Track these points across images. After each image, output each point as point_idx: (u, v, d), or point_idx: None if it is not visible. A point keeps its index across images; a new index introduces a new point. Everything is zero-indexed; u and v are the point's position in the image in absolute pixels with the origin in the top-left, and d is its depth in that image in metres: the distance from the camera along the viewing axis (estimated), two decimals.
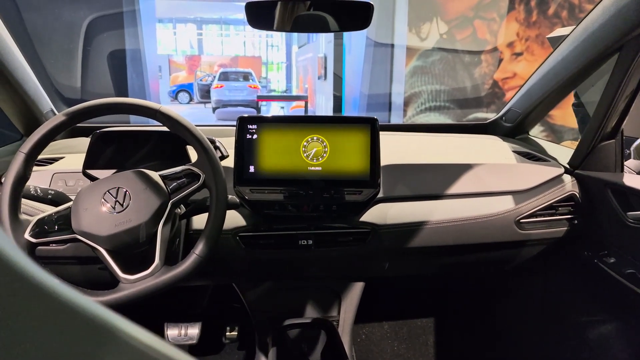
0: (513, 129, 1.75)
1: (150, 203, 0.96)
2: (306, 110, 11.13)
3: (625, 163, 1.41)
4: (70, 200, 1.04)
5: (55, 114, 1.34)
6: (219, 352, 1.82)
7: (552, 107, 1.65)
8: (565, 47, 1.40)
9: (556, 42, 1.46)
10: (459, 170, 1.41)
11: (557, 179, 1.43)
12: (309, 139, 1.20)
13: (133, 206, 0.96)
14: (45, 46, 3.53)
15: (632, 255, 1.27)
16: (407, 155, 1.47)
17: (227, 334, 1.75)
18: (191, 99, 16.11)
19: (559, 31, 1.53)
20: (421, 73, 6.00)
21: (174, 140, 1.16)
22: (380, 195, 1.29)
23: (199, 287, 1.88)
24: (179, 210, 1.14)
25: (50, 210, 0.98)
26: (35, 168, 1.00)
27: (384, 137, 1.28)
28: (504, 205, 1.37)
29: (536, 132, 1.83)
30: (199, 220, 1.22)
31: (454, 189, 1.37)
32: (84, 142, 1.25)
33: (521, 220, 1.37)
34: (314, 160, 1.20)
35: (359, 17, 1.07)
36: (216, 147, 1.09)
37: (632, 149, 1.50)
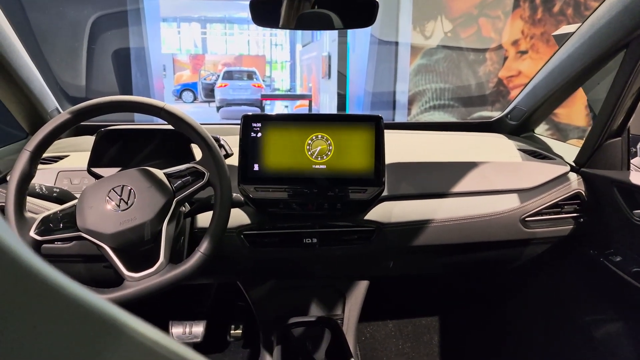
0: (518, 127, 1.74)
1: (154, 201, 0.97)
2: (310, 109, 11.13)
3: (632, 161, 1.40)
4: (75, 198, 1.04)
5: (60, 113, 1.34)
6: (223, 350, 1.82)
7: (557, 105, 1.64)
8: (571, 44, 1.39)
9: (562, 39, 1.45)
10: (463, 168, 1.41)
11: (562, 177, 1.43)
12: (314, 137, 1.20)
13: (138, 204, 0.96)
14: (50, 45, 3.53)
15: (638, 254, 1.27)
16: (411, 153, 1.46)
17: (232, 332, 1.75)
18: (195, 98, 16.13)
19: (564, 28, 1.52)
20: (425, 71, 5.98)
21: (178, 138, 1.16)
22: (384, 193, 1.29)
23: (204, 285, 1.89)
24: (183, 208, 1.14)
25: (55, 208, 0.98)
26: (40, 166, 1.01)
27: (389, 135, 1.27)
28: (509, 203, 1.36)
29: (541, 131, 1.82)
30: (204, 219, 1.23)
31: (458, 187, 1.37)
32: (89, 140, 1.25)
33: (526, 219, 1.36)
34: (319, 159, 1.19)
35: (364, 15, 1.07)
36: (221, 146, 1.10)
37: (638, 147, 1.49)
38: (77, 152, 1.38)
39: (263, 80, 15.20)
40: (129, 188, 0.97)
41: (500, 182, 1.39)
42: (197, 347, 1.77)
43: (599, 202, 1.40)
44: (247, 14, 1.07)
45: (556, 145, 1.64)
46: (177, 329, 1.69)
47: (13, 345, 0.18)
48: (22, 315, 0.18)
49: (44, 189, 1.06)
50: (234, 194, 1.08)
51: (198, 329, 1.69)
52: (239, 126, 1.20)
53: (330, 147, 1.20)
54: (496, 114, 1.86)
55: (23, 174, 0.93)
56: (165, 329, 1.67)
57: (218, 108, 12.45)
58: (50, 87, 1.48)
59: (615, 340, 1.42)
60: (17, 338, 0.18)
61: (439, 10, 5.80)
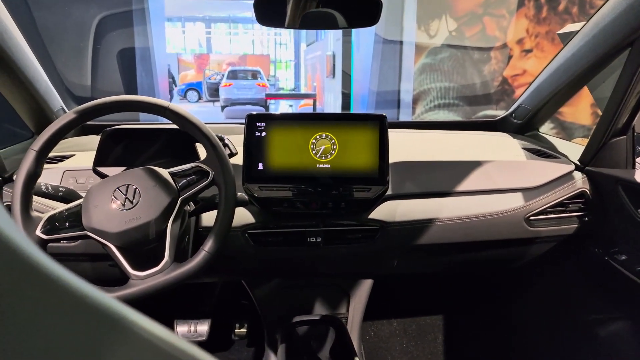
0: (523, 125, 1.74)
1: (159, 200, 0.97)
2: (315, 109, 11.14)
3: (637, 160, 1.39)
4: (80, 197, 1.05)
5: (65, 112, 1.35)
6: (228, 349, 1.83)
7: (562, 103, 1.63)
8: (576, 42, 1.39)
9: (566, 38, 1.45)
10: (468, 167, 1.41)
11: (567, 176, 1.42)
12: (318, 137, 1.20)
13: (143, 203, 0.96)
14: (56, 45, 3.55)
15: None
16: (415, 152, 1.46)
17: (237, 330, 1.76)
18: (200, 98, 16.17)
19: (569, 27, 1.52)
20: (430, 70, 5.96)
21: (183, 137, 1.16)
22: (388, 192, 1.29)
23: (208, 284, 1.89)
24: (188, 207, 1.14)
25: (61, 207, 0.99)
26: (46, 166, 1.01)
27: (393, 134, 1.27)
28: (514, 202, 1.36)
29: (546, 130, 1.82)
30: (208, 218, 1.23)
31: (463, 186, 1.36)
32: (94, 140, 1.26)
33: (531, 218, 1.36)
34: (323, 158, 1.20)
35: (368, 14, 1.07)
36: (225, 145, 1.10)
37: None
38: (82, 152, 1.38)
39: (267, 80, 15.23)
40: (134, 187, 0.98)
41: (504, 181, 1.39)
42: (201, 345, 1.77)
43: (603, 201, 1.39)
44: (251, 13, 1.07)
45: (561, 144, 1.64)
46: (182, 328, 1.69)
47: (21, 341, 0.18)
48: (30, 311, 0.18)
49: (49, 188, 1.07)
50: (239, 193, 1.08)
51: (203, 327, 1.70)
52: (243, 125, 1.20)
53: (335, 146, 1.20)
54: (501, 113, 1.86)
55: (29, 173, 0.94)
56: (170, 327, 1.67)
57: (222, 107, 12.47)
58: (55, 87, 1.48)
59: (620, 339, 1.41)
60: (24, 333, 0.18)
61: (444, 9, 5.78)
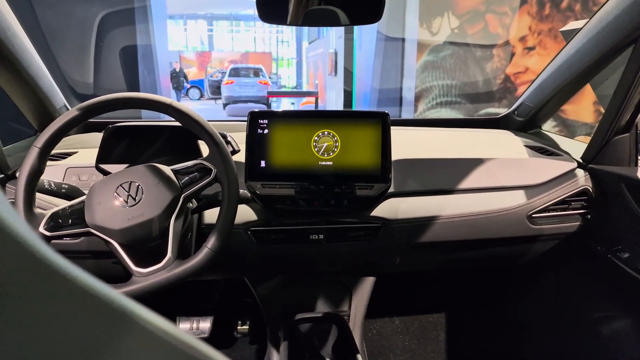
0: (525, 123, 1.74)
1: (162, 197, 0.97)
2: (316, 106, 11.13)
3: None
4: (83, 194, 1.05)
5: (68, 109, 1.35)
6: (230, 346, 1.83)
7: (565, 101, 1.63)
8: (579, 39, 1.38)
9: (569, 35, 1.45)
10: (470, 165, 1.41)
11: (570, 174, 1.42)
12: (320, 134, 1.20)
13: (145, 200, 0.96)
14: (58, 42, 3.55)
15: None
16: (418, 150, 1.46)
17: (239, 328, 1.76)
18: (202, 95, 16.19)
19: (572, 24, 1.52)
20: (432, 68, 5.95)
21: (185, 135, 1.16)
22: (391, 190, 1.29)
23: (211, 281, 1.89)
24: (190, 204, 1.14)
25: (64, 204, 0.99)
26: (49, 163, 1.02)
27: (395, 131, 1.27)
28: (516, 200, 1.36)
29: (548, 128, 1.81)
30: (211, 215, 1.23)
31: (465, 184, 1.36)
32: (97, 137, 1.26)
33: (533, 215, 1.36)
34: (325, 155, 1.20)
35: (370, 11, 1.07)
36: (227, 142, 1.10)
37: None
38: (85, 149, 1.39)
39: (269, 77, 15.22)
40: (137, 184, 0.98)
41: (507, 178, 1.39)
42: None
43: (606, 199, 1.39)
44: (253, 11, 1.07)
45: (563, 142, 1.64)
46: (184, 325, 1.70)
47: (32, 333, 0.18)
48: (36, 304, 0.18)
49: (52, 185, 1.07)
50: (241, 190, 1.08)
51: (205, 324, 1.70)
52: (245, 123, 1.20)
53: (337, 144, 1.20)
54: (503, 111, 1.85)
55: (32, 170, 0.94)
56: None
57: (224, 105, 12.48)
58: (58, 85, 1.49)
59: (623, 336, 1.41)
60: (34, 326, 0.18)
61: (446, 7, 5.77)
